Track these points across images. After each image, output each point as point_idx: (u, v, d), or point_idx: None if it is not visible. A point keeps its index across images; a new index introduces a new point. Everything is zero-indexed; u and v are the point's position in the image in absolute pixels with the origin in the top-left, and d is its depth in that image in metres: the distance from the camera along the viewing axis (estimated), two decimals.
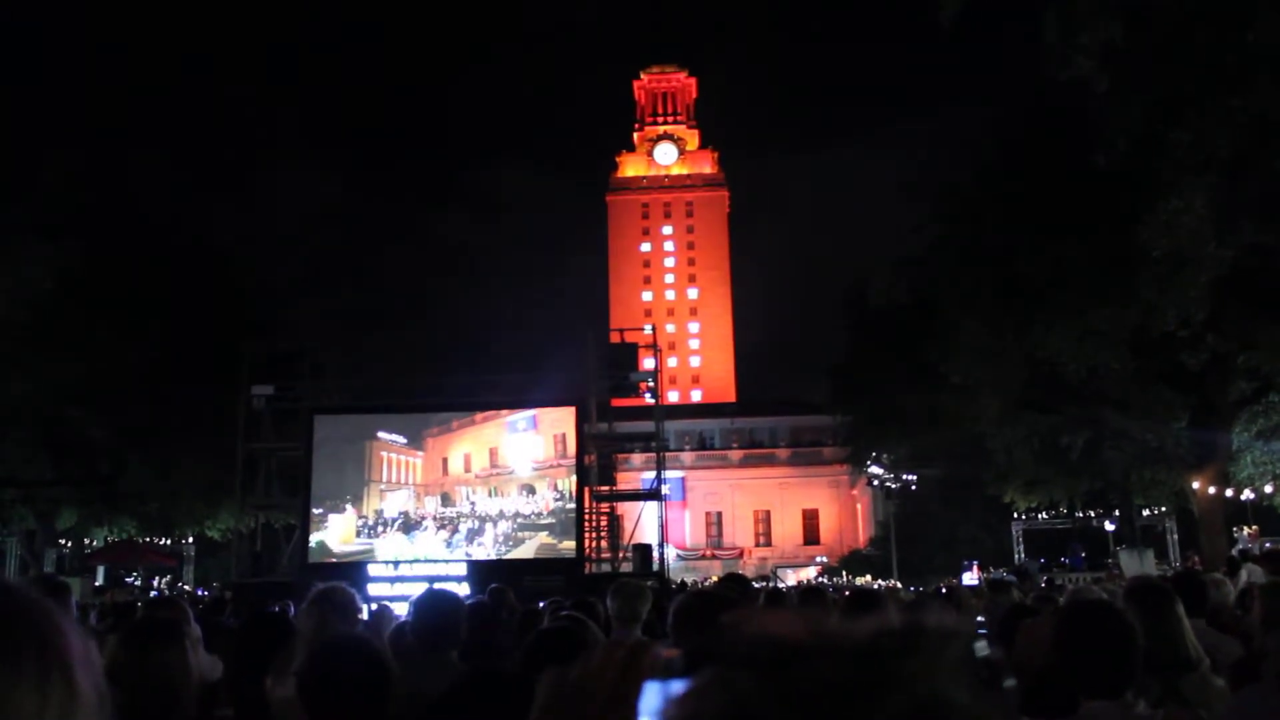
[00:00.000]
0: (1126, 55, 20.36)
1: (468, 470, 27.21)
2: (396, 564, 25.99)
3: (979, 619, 8.76)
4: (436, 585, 6.47)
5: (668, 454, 44.35)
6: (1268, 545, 30.00)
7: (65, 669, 1.07)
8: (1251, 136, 19.99)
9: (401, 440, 27.36)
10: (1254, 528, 34.15)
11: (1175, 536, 41.55)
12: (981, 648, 5.64)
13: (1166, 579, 7.44)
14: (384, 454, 27.31)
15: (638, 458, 63.16)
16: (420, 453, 27.35)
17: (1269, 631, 5.38)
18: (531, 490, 26.69)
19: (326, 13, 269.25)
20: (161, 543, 45.22)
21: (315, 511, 26.77)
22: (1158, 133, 21.29)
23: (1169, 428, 30.22)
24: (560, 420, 26.90)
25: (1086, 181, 25.93)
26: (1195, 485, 31.75)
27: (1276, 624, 5.28)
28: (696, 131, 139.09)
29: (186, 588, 41.87)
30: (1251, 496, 31.72)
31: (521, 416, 27.15)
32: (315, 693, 3.45)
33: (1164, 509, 39.97)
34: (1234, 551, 25.70)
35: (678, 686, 0.85)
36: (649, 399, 29.83)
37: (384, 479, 27.20)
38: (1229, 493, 31.56)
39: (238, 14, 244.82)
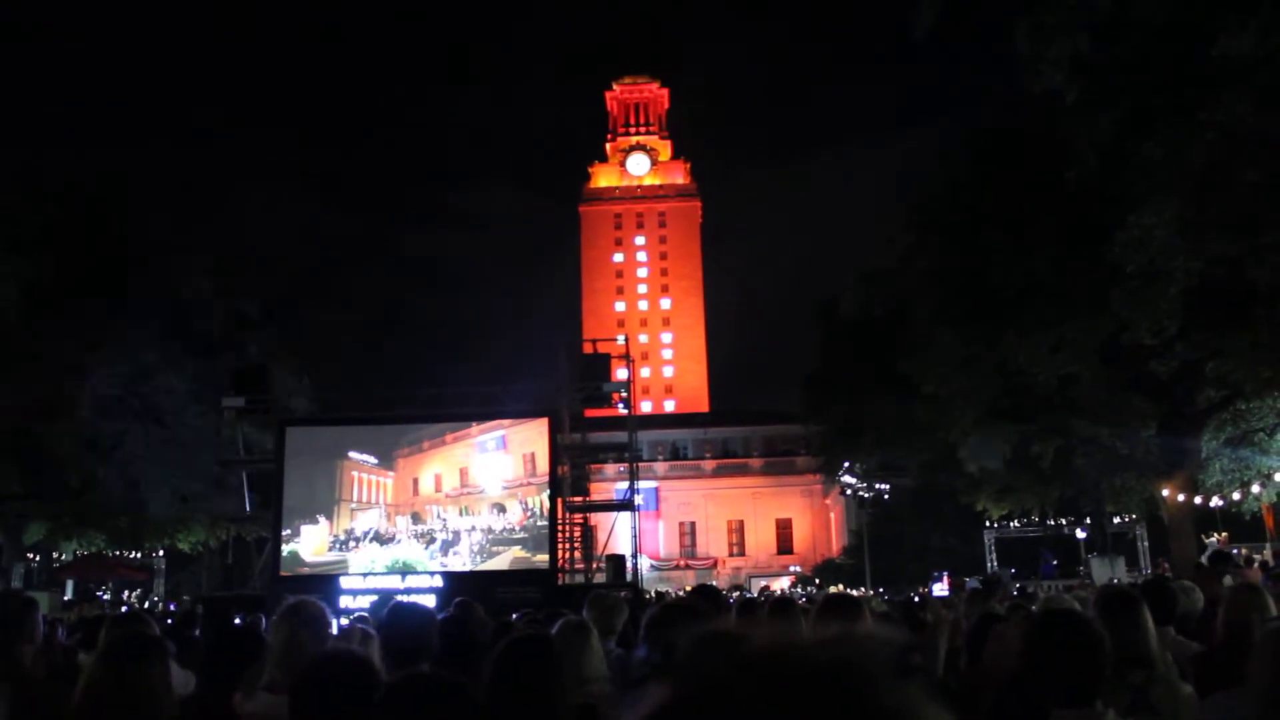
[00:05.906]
0: (1095, 69, 20.55)
1: (438, 490, 27.07)
2: (368, 575, 25.81)
3: (951, 629, 8.79)
4: (407, 599, 6.45)
5: (641, 464, 44.31)
6: (1236, 551, 30.27)
7: None
8: (1220, 150, 20.16)
9: (372, 460, 27.20)
10: (1224, 534, 34.42)
11: (1146, 544, 41.82)
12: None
13: (1136, 586, 7.49)
14: (355, 473, 27.13)
15: (611, 468, 63.14)
16: (391, 473, 27.21)
17: (1229, 634, 5.39)
18: (502, 509, 26.60)
19: (296, 38, 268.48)
20: (131, 556, 44.74)
21: (285, 532, 26.56)
22: (1128, 147, 21.45)
23: (1139, 435, 30.44)
24: (529, 439, 26.82)
25: (1057, 195, 26.11)
26: (1165, 492, 31.95)
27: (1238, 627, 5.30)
28: (669, 142, 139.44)
29: (157, 600, 41.43)
30: (1220, 503, 32.00)
31: (491, 436, 27.08)
32: (307, 706, 3.40)
33: (1134, 516, 40.22)
34: (1203, 558, 25.85)
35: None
36: (622, 409, 29.75)
37: (354, 498, 27.01)
38: (1198, 499, 31.81)
39: (210, 36, 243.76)
